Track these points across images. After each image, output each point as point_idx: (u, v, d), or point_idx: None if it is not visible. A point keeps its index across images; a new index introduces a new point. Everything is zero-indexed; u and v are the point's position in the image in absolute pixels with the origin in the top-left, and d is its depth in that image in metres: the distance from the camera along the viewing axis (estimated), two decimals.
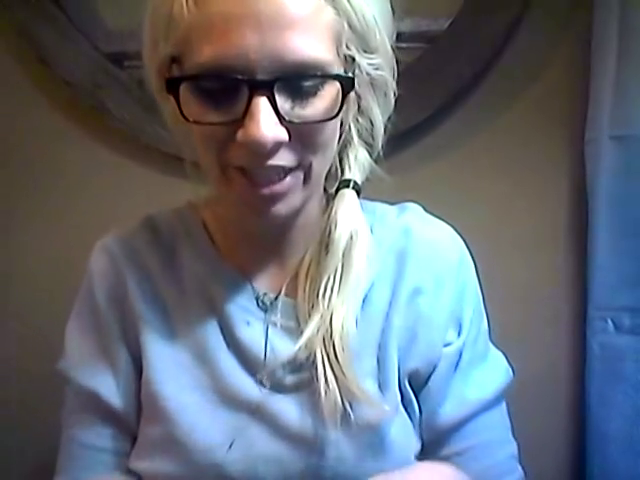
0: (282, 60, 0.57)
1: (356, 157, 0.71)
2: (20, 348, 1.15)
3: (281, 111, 0.58)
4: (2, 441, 1.15)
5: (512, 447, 0.75)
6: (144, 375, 0.71)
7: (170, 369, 0.70)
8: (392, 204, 0.77)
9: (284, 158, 0.61)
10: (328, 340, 0.66)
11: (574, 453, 1.05)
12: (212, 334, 0.71)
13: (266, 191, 0.62)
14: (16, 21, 1.10)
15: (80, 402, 0.74)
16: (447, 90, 1.03)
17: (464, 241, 0.76)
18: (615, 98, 0.95)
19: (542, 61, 1.04)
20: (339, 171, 0.71)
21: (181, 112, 0.60)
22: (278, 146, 0.60)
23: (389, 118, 0.71)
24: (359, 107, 0.68)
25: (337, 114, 0.61)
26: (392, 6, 0.66)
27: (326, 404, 0.65)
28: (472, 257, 0.76)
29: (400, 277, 0.71)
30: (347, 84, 0.61)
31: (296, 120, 0.59)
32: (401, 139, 1.02)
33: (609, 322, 0.98)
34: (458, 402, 0.71)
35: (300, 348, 0.66)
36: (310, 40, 0.58)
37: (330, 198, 0.72)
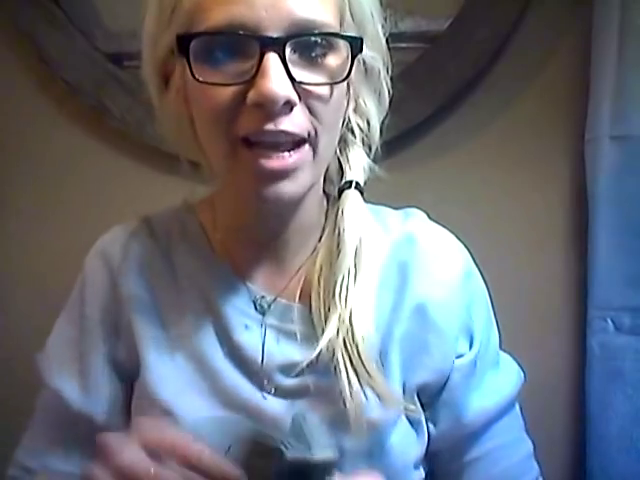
0: (293, 18, 0.58)
1: (356, 158, 0.71)
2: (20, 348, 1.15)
3: (291, 71, 0.59)
4: (2, 441, 1.15)
5: (528, 446, 0.76)
6: (142, 380, 0.70)
7: (169, 373, 0.70)
8: (395, 207, 0.77)
9: (293, 123, 0.60)
10: (350, 341, 0.65)
11: (574, 453, 1.05)
12: (209, 337, 0.70)
13: (275, 164, 0.60)
14: (16, 21, 1.10)
15: (44, 399, 0.75)
16: (447, 90, 1.03)
17: (467, 247, 0.75)
18: (615, 98, 0.95)
19: (542, 61, 1.04)
20: (339, 173, 0.71)
21: (193, 75, 0.59)
22: (288, 108, 0.59)
23: (384, 119, 0.71)
24: (356, 105, 0.68)
25: (346, 77, 0.61)
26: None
27: (352, 408, 0.63)
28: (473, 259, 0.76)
29: (403, 286, 0.70)
30: (356, 46, 0.61)
31: (306, 81, 0.60)
32: (402, 138, 1.02)
33: (609, 322, 0.98)
34: (476, 411, 0.71)
35: (321, 352, 0.64)
36: (319, 2, 0.59)
37: (331, 200, 0.72)
